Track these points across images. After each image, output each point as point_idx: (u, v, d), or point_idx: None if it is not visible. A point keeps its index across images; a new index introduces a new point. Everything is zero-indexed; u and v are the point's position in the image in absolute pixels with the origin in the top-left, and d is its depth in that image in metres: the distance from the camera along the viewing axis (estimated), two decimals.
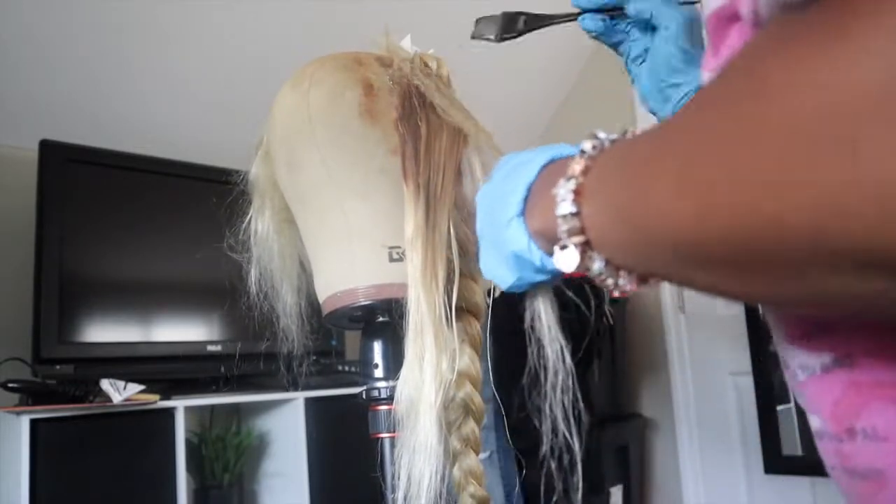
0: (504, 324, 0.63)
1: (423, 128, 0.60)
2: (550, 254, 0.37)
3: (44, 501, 1.33)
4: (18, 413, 1.35)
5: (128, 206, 1.72)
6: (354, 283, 0.62)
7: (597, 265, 0.34)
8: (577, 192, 0.33)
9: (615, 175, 0.32)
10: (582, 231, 0.33)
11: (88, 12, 1.66)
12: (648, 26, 0.63)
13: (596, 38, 0.67)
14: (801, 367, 0.35)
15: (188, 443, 1.60)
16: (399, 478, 0.54)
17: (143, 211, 1.75)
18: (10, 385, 1.39)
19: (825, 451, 0.36)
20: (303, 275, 0.72)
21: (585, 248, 0.34)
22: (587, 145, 0.34)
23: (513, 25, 0.69)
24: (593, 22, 0.66)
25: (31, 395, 1.40)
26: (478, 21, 0.70)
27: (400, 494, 0.54)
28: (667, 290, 2.42)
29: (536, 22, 0.68)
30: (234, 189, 0.72)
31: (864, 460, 0.32)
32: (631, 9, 0.63)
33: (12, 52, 1.66)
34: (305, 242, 0.68)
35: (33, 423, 1.34)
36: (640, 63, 0.65)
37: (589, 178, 0.33)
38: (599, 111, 2.51)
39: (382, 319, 0.66)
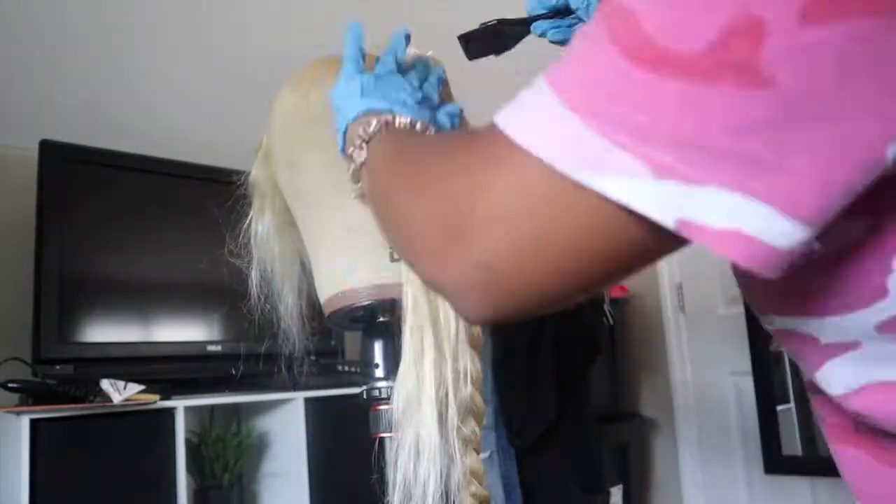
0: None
1: None
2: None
3: (44, 501, 1.32)
4: (18, 413, 1.35)
5: (128, 206, 1.72)
6: (355, 284, 0.62)
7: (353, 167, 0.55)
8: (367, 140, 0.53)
9: (387, 148, 0.51)
10: (361, 168, 0.53)
11: (88, 12, 1.65)
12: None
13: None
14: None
15: (188, 443, 1.59)
16: (400, 478, 0.54)
17: (143, 211, 1.74)
18: (10, 385, 1.39)
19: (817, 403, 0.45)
20: (304, 276, 0.72)
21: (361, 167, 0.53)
22: (379, 125, 0.53)
23: (501, 38, 0.69)
24: (551, 30, 0.68)
25: (31, 395, 1.40)
26: (461, 40, 0.70)
27: (401, 494, 0.54)
28: (667, 291, 2.42)
29: (524, 28, 0.68)
30: (235, 189, 0.72)
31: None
32: (573, 2, 0.64)
33: (12, 52, 1.66)
34: (306, 243, 0.68)
35: (33, 423, 1.34)
36: None
37: (377, 142, 0.53)
38: None
39: (383, 319, 0.66)
